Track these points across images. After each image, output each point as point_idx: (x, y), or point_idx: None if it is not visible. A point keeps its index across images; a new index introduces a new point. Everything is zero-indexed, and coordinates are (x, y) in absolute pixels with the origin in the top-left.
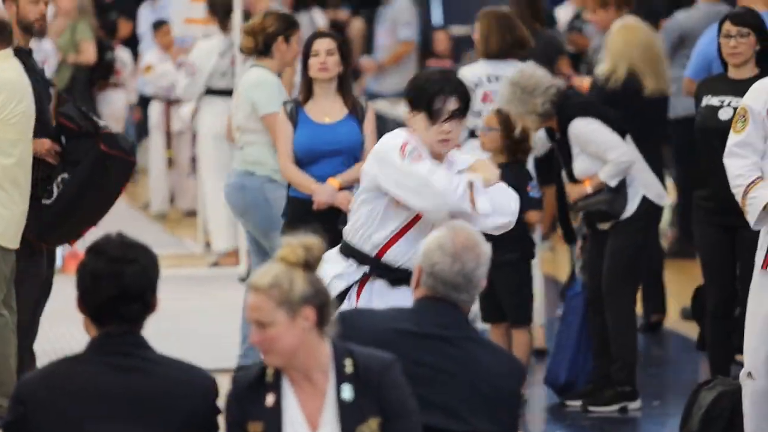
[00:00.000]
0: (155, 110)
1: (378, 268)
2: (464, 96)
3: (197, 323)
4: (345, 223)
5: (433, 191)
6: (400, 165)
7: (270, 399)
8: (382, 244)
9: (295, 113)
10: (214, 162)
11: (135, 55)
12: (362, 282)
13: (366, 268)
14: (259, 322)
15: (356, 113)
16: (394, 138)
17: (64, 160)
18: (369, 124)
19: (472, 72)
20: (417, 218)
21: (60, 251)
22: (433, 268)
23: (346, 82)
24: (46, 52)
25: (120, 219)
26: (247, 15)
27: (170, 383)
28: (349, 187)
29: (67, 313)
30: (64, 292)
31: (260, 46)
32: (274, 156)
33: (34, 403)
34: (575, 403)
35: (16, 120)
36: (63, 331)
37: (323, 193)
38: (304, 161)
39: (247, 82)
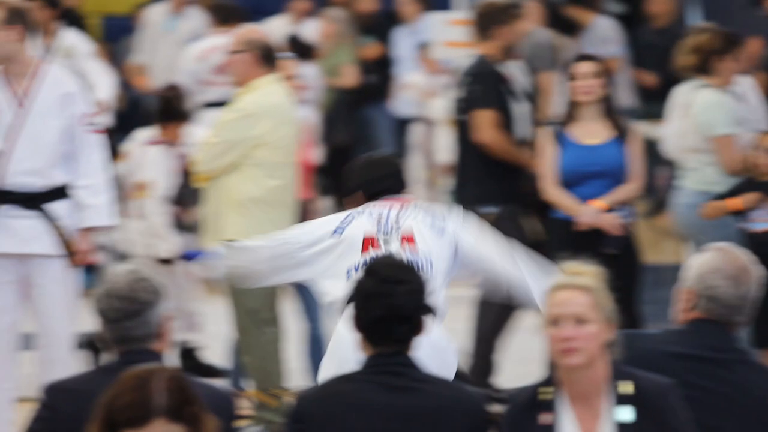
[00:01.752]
0: (416, 132)
1: None
2: None
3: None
4: (609, 245)
5: None
6: None
7: (547, 418)
8: None
9: (560, 135)
10: None
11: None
12: None
13: None
14: (578, 317)
15: (621, 135)
16: None
17: None
18: (634, 146)
19: None
20: None
21: None
22: (713, 291)
23: (610, 104)
24: (307, 76)
25: None
26: None
27: (441, 403)
28: (613, 209)
29: None
30: None
31: (701, 64)
32: (728, 177)
33: (312, 420)
34: None
35: (283, 144)
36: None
37: (587, 214)
38: (568, 183)
39: (702, 103)
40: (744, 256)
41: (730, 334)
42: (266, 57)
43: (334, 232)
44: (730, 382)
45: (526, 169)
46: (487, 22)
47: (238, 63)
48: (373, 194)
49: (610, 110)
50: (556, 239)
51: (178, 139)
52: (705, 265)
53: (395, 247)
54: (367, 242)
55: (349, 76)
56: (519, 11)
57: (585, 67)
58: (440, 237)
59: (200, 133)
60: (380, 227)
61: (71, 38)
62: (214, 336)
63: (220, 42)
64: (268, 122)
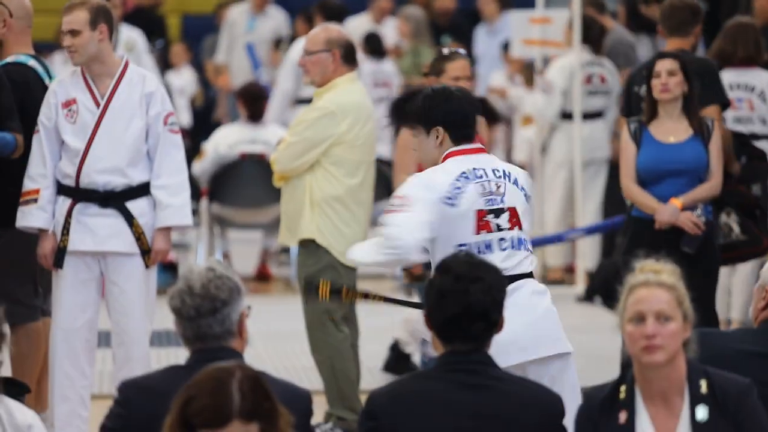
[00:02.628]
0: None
1: None
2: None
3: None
4: (688, 244)
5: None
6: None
7: (623, 416)
8: None
9: (639, 133)
10: (552, 185)
11: None
12: None
13: None
14: (662, 314)
15: (702, 133)
16: (409, 182)
17: None
18: (715, 144)
19: None
20: None
21: None
22: None
23: (691, 101)
24: (386, 73)
25: None
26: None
27: (517, 401)
28: (693, 207)
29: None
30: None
31: None
32: None
33: (386, 417)
34: None
35: (361, 142)
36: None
37: (665, 213)
38: (647, 181)
39: None
40: None
41: None
42: (347, 56)
43: (446, 201)
44: None
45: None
46: (688, 19)
47: (318, 62)
48: (459, 136)
49: (689, 108)
50: (635, 237)
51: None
52: None
53: (505, 227)
54: (479, 220)
55: None
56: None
57: (663, 64)
58: (528, 206)
59: (278, 133)
60: (487, 200)
61: (129, 32)
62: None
63: None
64: (348, 120)
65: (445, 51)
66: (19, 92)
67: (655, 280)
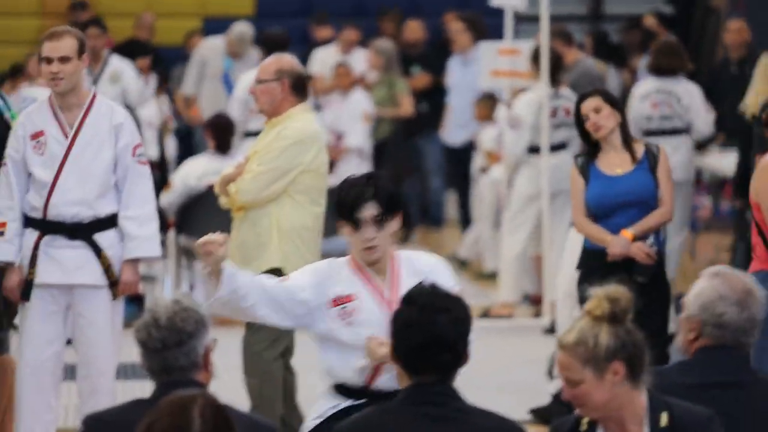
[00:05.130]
0: (476, 160)
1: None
2: (385, 200)
3: (500, 374)
4: (641, 273)
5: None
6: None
7: None
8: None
9: (587, 167)
10: (519, 219)
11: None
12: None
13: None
14: (568, 380)
15: (648, 160)
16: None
17: None
18: (663, 171)
19: None
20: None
21: None
22: (719, 318)
23: (625, 131)
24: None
25: None
26: (556, 62)
27: None
28: (644, 237)
29: None
30: None
31: None
32: None
33: None
34: None
35: (324, 170)
36: None
37: (617, 245)
38: (598, 214)
39: None
40: (747, 278)
41: (740, 356)
42: (295, 86)
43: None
44: (752, 405)
45: None
46: None
47: (267, 91)
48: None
49: (626, 139)
50: (588, 269)
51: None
52: (708, 294)
53: None
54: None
55: (406, 106)
56: None
57: (587, 105)
58: None
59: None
60: None
61: (118, 63)
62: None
63: None
64: (315, 148)
65: None
66: None
67: (562, 343)
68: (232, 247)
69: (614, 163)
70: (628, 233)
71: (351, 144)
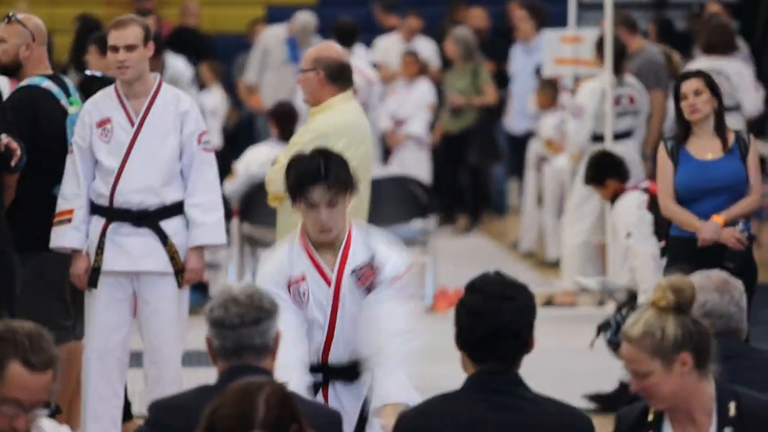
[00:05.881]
0: (532, 148)
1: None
2: (340, 180)
3: (564, 361)
4: (731, 260)
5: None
6: None
7: None
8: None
9: (676, 151)
10: (583, 209)
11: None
12: (324, 390)
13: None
14: (636, 373)
15: (739, 148)
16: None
17: None
18: (752, 158)
19: None
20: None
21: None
22: (703, 307)
23: (720, 117)
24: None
25: (489, 257)
26: (620, 50)
27: (547, 422)
28: (734, 223)
29: (441, 351)
30: (435, 330)
31: None
32: None
33: None
34: None
35: (355, 163)
36: (437, 368)
37: (708, 230)
38: (686, 199)
39: None
40: (720, 273)
41: (735, 338)
42: (334, 76)
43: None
44: (757, 379)
45: None
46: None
47: (306, 81)
48: None
49: (720, 125)
50: (675, 256)
51: None
52: None
53: None
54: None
55: (490, 95)
56: None
57: (688, 85)
58: None
59: (267, 152)
60: None
61: (175, 63)
62: None
63: None
64: (342, 142)
65: None
66: (27, 112)
67: (628, 336)
68: (281, 232)
69: (705, 148)
70: (719, 219)
71: (412, 131)
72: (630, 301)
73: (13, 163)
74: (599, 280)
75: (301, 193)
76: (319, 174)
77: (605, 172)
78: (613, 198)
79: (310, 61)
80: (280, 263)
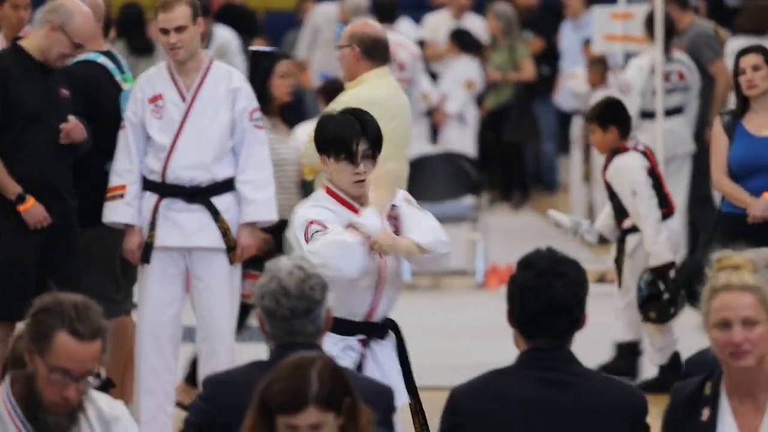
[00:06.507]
0: (576, 125)
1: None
2: (375, 136)
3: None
4: None
5: (336, 265)
6: (306, 249)
7: (706, 413)
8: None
9: (732, 125)
10: None
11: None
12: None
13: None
14: (748, 320)
15: None
16: (301, 216)
17: None
18: None
19: None
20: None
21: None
22: None
23: None
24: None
25: (539, 234)
26: (669, 26)
27: (600, 399)
28: None
29: (492, 328)
30: (486, 306)
31: None
32: None
33: (466, 414)
34: None
35: (388, 138)
36: (489, 344)
37: (759, 207)
38: (739, 175)
39: None
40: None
41: None
42: (369, 51)
43: None
44: None
45: None
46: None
47: (343, 57)
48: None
49: None
50: (726, 232)
51: None
52: None
53: None
54: None
55: (528, 71)
56: None
57: (747, 60)
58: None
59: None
60: None
61: (223, 33)
62: None
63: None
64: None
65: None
66: (88, 90)
67: (739, 284)
68: None
69: (762, 124)
70: None
71: (449, 109)
72: (651, 272)
73: (83, 148)
74: (573, 219)
75: (344, 145)
76: (354, 127)
77: (612, 118)
78: (610, 153)
79: (346, 38)
80: (327, 212)
